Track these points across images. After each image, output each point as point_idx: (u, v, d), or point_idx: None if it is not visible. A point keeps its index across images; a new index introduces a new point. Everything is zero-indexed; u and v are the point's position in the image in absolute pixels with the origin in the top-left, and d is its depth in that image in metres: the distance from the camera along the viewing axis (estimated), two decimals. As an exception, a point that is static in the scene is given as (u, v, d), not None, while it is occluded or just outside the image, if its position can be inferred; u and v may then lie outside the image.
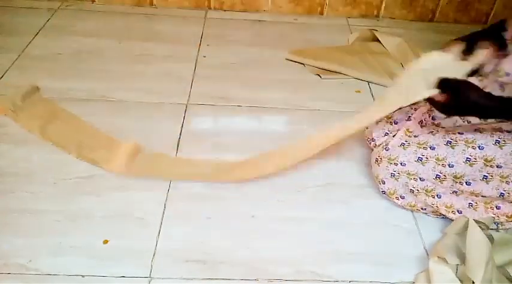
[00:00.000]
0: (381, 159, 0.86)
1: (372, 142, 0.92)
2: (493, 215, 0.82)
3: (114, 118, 1.06)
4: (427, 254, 0.81)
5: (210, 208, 0.86)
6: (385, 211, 0.88)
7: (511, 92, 0.83)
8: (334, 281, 0.76)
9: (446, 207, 0.83)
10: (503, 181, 0.80)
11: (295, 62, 1.29)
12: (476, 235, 0.74)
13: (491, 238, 0.75)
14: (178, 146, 0.99)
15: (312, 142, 0.88)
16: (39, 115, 1.03)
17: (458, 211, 0.83)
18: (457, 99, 0.72)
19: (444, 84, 0.74)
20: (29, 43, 1.29)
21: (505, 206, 0.82)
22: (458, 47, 0.76)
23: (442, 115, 0.88)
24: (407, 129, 0.87)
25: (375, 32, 1.38)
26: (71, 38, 1.33)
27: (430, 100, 0.75)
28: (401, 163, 0.84)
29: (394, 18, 1.55)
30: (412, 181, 0.84)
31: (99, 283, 0.73)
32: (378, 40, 1.37)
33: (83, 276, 0.73)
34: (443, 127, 0.84)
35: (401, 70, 1.24)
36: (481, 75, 0.81)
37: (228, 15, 1.51)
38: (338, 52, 1.32)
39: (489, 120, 0.82)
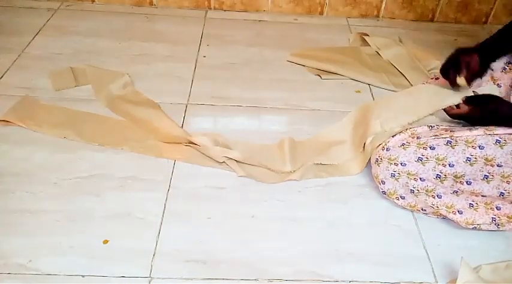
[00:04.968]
0: (381, 159, 0.86)
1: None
2: (494, 216, 0.82)
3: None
4: (427, 254, 0.81)
5: (210, 208, 0.86)
6: (385, 211, 0.88)
7: None
8: (334, 281, 0.76)
9: (447, 207, 0.83)
10: (503, 181, 0.80)
11: (297, 63, 1.30)
12: None
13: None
14: (178, 146, 0.99)
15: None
16: (60, 122, 1.02)
17: (458, 211, 0.83)
18: (484, 110, 0.80)
19: (471, 98, 0.83)
20: (29, 43, 1.29)
21: (505, 207, 0.82)
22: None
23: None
24: (413, 132, 0.87)
25: (367, 38, 1.38)
26: (71, 38, 1.33)
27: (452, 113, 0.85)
28: (401, 164, 0.84)
29: (394, 18, 1.55)
30: (413, 181, 0.83)
31: (99, 283, 0.73)
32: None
33: (83, 276, 0.73)
34: (453, 131, 0.84)
35: (402, 77, 1.24)
36: None
37: (228, 15, 1.51)
38: (339, 54, 1.32)
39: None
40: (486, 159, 0.79)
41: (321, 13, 1.54)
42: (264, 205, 0.88)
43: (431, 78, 0.99)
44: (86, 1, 1.51)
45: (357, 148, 0.95)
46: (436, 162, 0.82)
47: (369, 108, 0.98)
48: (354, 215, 0.87)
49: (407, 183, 0.84)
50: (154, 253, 0.78)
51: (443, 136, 0.82)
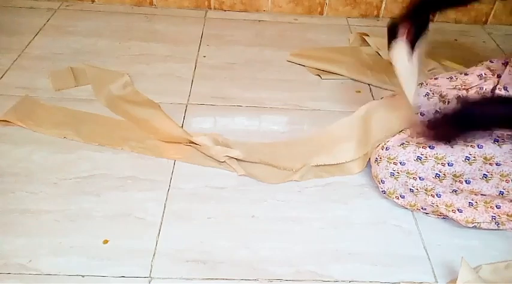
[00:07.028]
0: (380, 158, 0.86)
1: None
2: (493, 215, 0.82)
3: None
4: (427, 254, 0.81)
5: (210, 208, 0.86)
6: (385, 211, 0.88)
7: None
8: (334, 281, 0.76)
9: (446, 205, 0.83)
10: (502, 180, 0.80)
11: (297, 63, 1.30)
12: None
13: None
14: (178, 146, 0.99)
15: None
16: (60, 122, 1.02)
17: (458, 210, 0.83)
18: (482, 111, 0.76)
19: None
20: (29, 43, 1.29)
21: (505, 205, 0.82)
22: None
23: None
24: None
25: (367, 38, 1.38)
26: (71, 38, 1.33)
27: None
28: (400, 163, 0.84)
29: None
30: (412, 180, 0.84)
31: (99, 283, 0.73)
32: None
33: (82, 276, 0.73)
34: None
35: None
36: None
37: (228, 15, 1.51)
38: (339, 54, 1.32)
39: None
40: (485, 158, 0.79)
41: (321, 13, 1.54)
42: (264, 205, 0.88)
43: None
44: (86, 1, 1.51)
45: (363, 147, 0.95)
46: (435, 161, 0.82)
47: (372, 111, 0.98)
48: (354, 216, 0.87)
49: (406, 182, 0.84)
50: (154, 253, 0.78)
51: None
